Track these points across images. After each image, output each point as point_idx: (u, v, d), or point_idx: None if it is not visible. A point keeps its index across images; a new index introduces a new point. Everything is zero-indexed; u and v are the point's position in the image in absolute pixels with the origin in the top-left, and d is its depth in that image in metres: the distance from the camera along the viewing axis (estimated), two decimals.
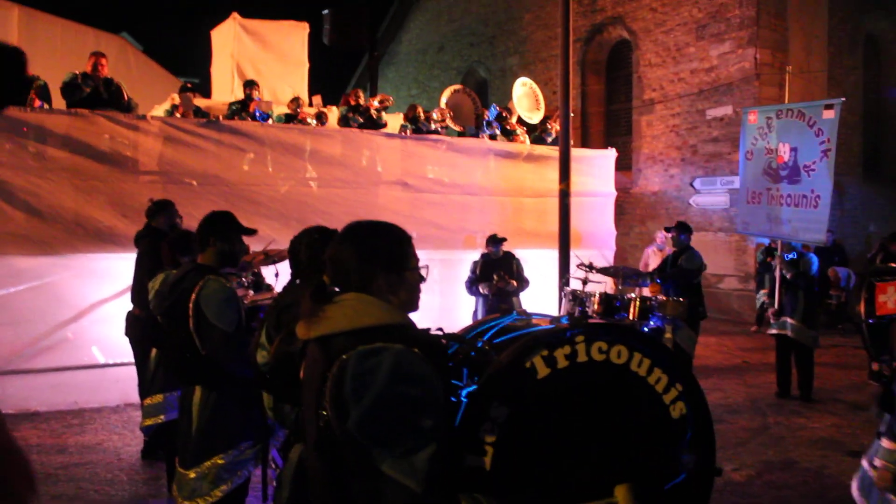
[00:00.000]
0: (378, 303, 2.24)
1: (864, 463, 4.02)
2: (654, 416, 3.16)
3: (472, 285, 9.53)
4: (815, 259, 9.10)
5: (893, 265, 6.75)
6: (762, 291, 13.46)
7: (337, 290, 2.31)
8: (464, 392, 2.73)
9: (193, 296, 3.90)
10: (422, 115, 12.52)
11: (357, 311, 2.21)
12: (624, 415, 3.07)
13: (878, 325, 6.40)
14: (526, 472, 2.73)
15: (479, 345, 2.98)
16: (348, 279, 2.28)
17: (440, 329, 2.81)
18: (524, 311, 3.49)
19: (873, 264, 10.93)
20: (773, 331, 9.11)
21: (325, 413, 2.14)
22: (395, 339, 2.13)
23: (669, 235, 9.11)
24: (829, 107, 8.61)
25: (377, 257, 2.28)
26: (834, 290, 13.34)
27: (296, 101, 11.83)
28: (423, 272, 2.40)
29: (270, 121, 11.03)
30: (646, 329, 7.65)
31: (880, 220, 16.40)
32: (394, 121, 12.65)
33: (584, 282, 8.14)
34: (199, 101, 11.41)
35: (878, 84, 18.34)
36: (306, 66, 13.83)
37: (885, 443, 3.80)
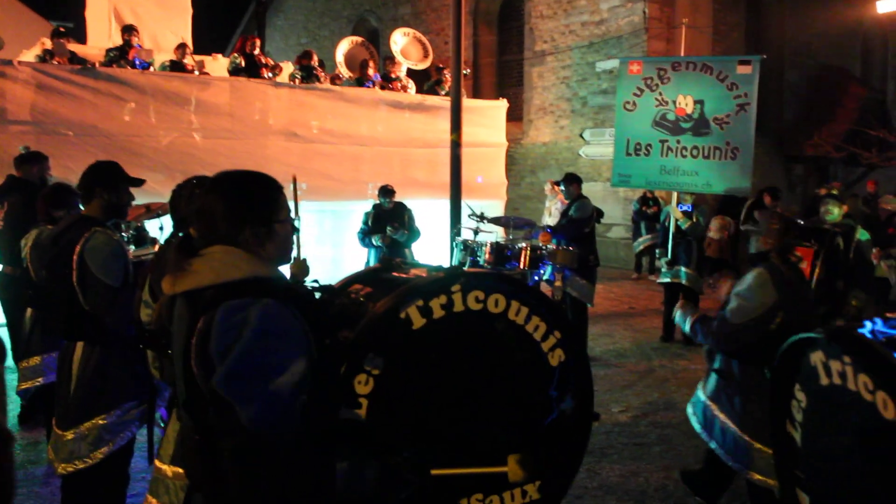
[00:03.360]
0: (246, 255, 2.16)
1: (702, 395, 4.29)
2: (533, 364, 3.16)
3: (364, 237, 9.45)
4: (704, 211, 9.40)
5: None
6: (640, 239, 13.80)
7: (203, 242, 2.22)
8: (339, 344, 2.67)
9: (78, 248, 3.71)
10: (315, 61, 12.21)
11: (224, 264, 2.13)
12: (502, 363, 3.07)
13: None
14: (403, 423, 2.71)
15: (355, 296, 2.93)
16: (216, 231, 2.18)
17: (315, 281, 2.75)
18: (403, 262, 3.44)
19: (746, 213, 11.38)
20: (666, 279, 9.31)
21: (191, 370, 2.06)
22: (264, 293, 2.06)
23: (558, 188, 9.12)
24: (744, 62, 8.73)
25: (245, 209, 2.19)
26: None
27: (182, 47, 11.34)
28: (295, 224, 2.32)
29: (152, 69, 10.56)
30: (536, 278, 7.77)
31: (759, 172, 17.01)
32: (281, 76, 12.32)
33: (476, 232, 8.17)
34: (74, 47, 10.81)
35: (757, 41, 18.94)
36: (189, 11, 13.28)
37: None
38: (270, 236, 2.21)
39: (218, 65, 12.25)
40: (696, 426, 4.30)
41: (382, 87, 12.56)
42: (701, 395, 4.30)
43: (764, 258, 4.01)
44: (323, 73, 12.30)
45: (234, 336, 1.98)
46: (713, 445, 4.14)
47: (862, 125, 18.74)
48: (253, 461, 2.06)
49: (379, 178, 10.58)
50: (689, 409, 4.43)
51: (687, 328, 4.17)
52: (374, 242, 9.27)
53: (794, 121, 19.66)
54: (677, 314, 4.29)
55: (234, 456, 2.06)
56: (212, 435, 2.09)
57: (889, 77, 22.73)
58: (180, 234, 3.53)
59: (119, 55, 10.50)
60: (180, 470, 2.34)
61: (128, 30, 10.93)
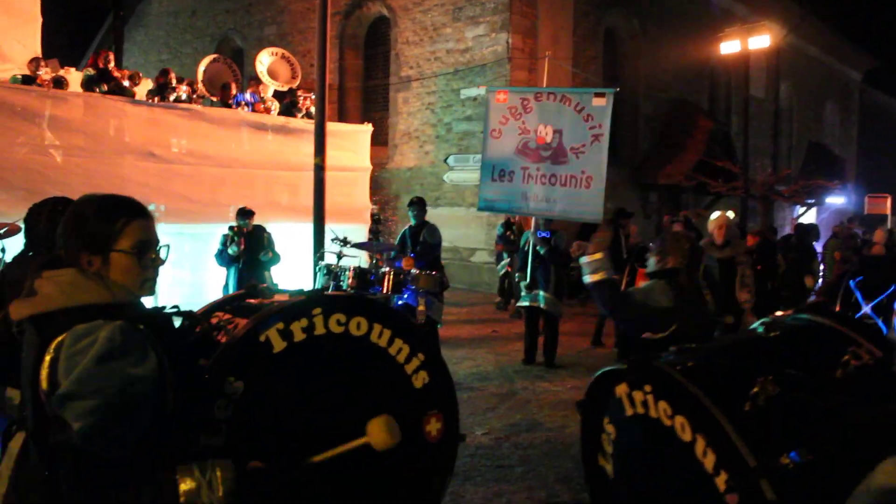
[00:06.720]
0: (94, 280, 2.08)
1: None
2: (397, 387, 3.17)
3: (220, 255, 9.26)
4: (562, 236, 9.67)
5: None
6: (503, 263, 14.05)
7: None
8: (197, 369, 2.59)
9: None
10: (174, 80, 11.87)
11: (75, 287, 2.03)
12: (366, 387, 3.05)
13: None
14: (264, 450, 2.64)
15: (217, 321, 2.86)
16: (65, 255, 2.12)
17: (176, 307, 2.66)
18: (267, 288, 3.39)
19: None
20: (526, 303, 9.52)
21: (40, 399, 1.95)
22: (117, 317, 1.98)
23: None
24: (599, 95, 9.02)
25: (77, 235, 2.12)
26: (575, 262, 14.19)
27: (36, 61, 10.77)
28: (161, 255, 2.26)
29: None
30: (400, 302, 7.79)
31: (617, 199, 17.74)
32: (141, 86, 11.89)
33: (339, 256, 8.12)
34: None
35: (614, 74, 19.78)
36: (39, 20, 12.60)
37: None
38: (107, 265, 2.13)
39: (71, 79, 11.71)
40: None
41: (246, 107, 12.36)
42: None
43: (671, 273, 4.19)
44: (185, 91, 11.96)
45: (80, 360, 1.89)
46: None
47: (709, 156, 19.87)
48: (86, 484, 1.94)
49: (240, 201, 10.33)
50: None
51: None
52: (230, 253, 9.07)
53: (649, 151, 20.62)
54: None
55: (78, 480, 1.94)
56: (58, 464, 1.96)
57: (733, 111, 24.22)
58: (31, 253, 3.40)
59: None
60: None
61: None
